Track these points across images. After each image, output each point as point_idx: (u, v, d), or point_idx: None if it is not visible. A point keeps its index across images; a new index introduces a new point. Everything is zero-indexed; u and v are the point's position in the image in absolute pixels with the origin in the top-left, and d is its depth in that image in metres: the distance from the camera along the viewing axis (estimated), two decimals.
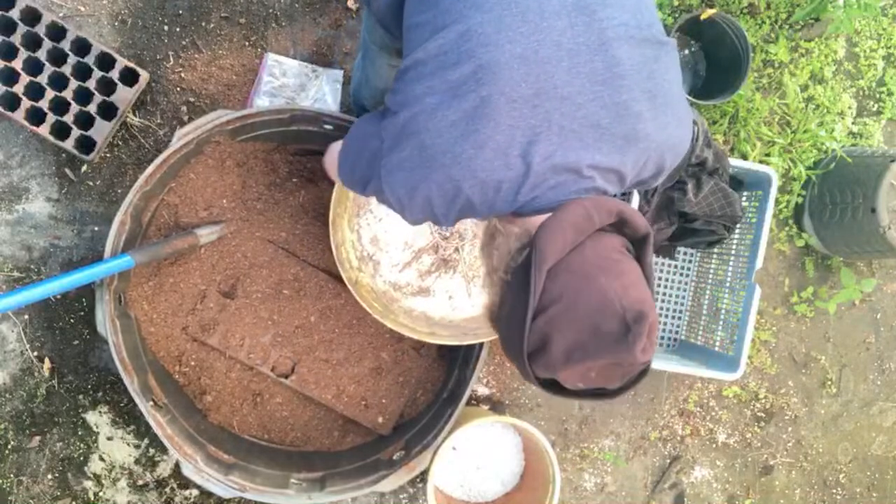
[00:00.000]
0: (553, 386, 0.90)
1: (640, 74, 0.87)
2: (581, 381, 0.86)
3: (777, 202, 2.14)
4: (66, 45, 1.72)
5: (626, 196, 1.86)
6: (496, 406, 2.06)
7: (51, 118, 1.71)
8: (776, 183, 1.83)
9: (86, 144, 1.76)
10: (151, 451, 1.89)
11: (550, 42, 0.84)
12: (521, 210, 0.90)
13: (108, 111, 1.75)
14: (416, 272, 1.59)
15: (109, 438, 1.86)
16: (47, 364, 1.82)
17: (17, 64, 1.69)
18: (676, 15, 2.05)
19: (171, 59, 1.84)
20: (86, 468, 1.86)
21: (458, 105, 0.83)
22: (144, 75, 1.76)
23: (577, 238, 0.86)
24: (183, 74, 1.84)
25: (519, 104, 0.83)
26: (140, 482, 1.88)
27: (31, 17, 1.71)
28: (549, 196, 0.88)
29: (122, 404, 1.87)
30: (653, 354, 0.85)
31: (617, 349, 0.81)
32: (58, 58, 1.73)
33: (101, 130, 1.75)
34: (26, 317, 1.82)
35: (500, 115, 0.82)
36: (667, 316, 2.08)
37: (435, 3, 0.90)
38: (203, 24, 1.85)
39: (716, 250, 2.00)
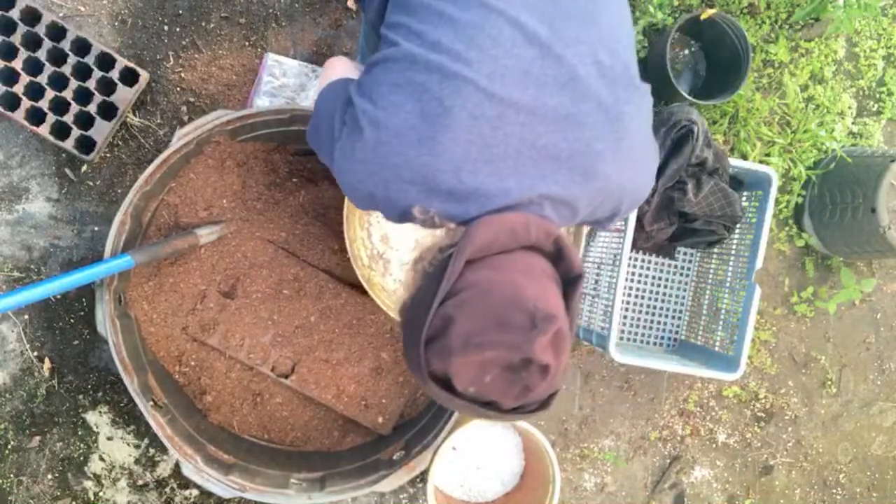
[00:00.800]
0: (444, 386, 0.83)
1: (607, 115, 0.87)
2: (474, 385, 0.80)
3: (777, 202, 2.14)
4: (66, 45, 1.72)
5: None
6: None
7: (51, 118, 1.71)
8: (776, 183, 1.83)
9: (86, 144, 1.76)
10: (151, 451, 1.89)
11: (519, 69, 0.84)
12: (466, 222, 0.89)
13: (108, 111, 1.75)
14: None
15: (109, 438, 1.86)
16: (47, 364, 1.82)
17: (17, 64, 1.69)
18: (676, 15, 2.05)
19: (171, 59, 1.84)
20: (86, 468, 1.86)
21: (421, 109, 0.83)
22: (144, 75, 1.76)
23: (509, 243, 0.85)
24: (183, 74, 1.84)
25: (480, 122, 0.83)
26: (140, 482, 1.88)
27: (31, 17, 1.71)
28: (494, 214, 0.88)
29: (122, 404, 1.87)
30: (555, 369, 0.80)
31: (517, 339, 0.77)
32: (58, 58, 1.73)
33: (101, 130, 1.75)
34: (26, 317, 1.82)
35: (459, 128, 0.82)
36: (667, 316, 2.08)
37: (413, 11, 0.90)
38: (203, 24, 1.85)
39: (716, 250, 2.00)
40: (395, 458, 1.68)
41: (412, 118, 0.83)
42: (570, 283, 0.89)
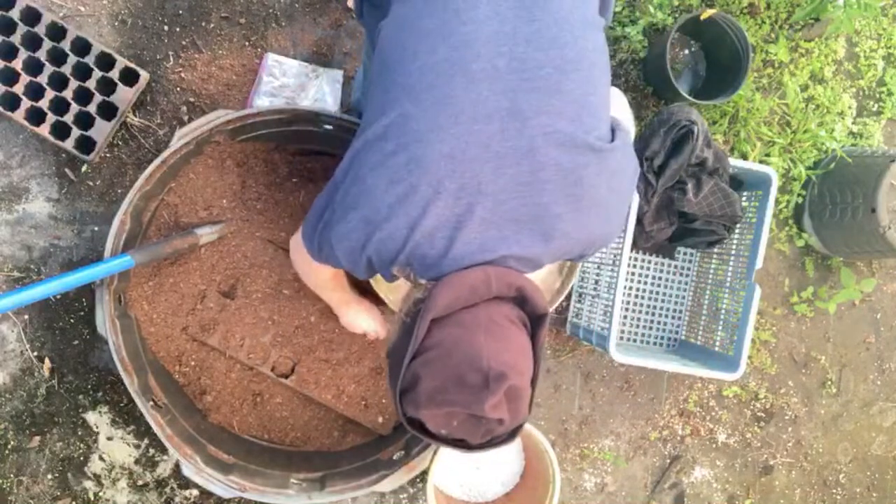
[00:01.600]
0: (419, 427, 0.95)
1: (566, 180, 0.93)
2: (444, 428, 0.91)
3: (777, 202, 2.14)
4: (66, 45, 1.72)
5: None
6: None
7: (51, 118, 1.71)
8: (776, 183, 1.83)
9: (86, 144, 1.76)
10: (151, 451, 1.89)
11: (479, 144, 0.91)
12: (440, 278, 0.97)
13: (108, 111, 1.75)
14: None
15: (109, 438, 1.86)
16: (47, 364, 1.82)
17: (17, 64, 1.69)
18: (676, 15, 2.05)
19: (171, 59, 1.84)
20: (86, 468, 1.86)
21: (394, 190, 0.92)
22: (144, 75, 1.76)
23: (471, 299, 0.93)
24: (183, 74, 1.84)
25: (444, 196, 0.91)
26: (140, 482, 1.89)
27: (31, 17, 1.71)
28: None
29: (122, 404, 1.87)
30: (513, 419, 0.90)
31: (471, 400, 0.87)
32: (58, 58, 1.73)
33: (101, 130, 1.75)
34: (26, 317, 1.82)
35: (427, 203, 0.91)
36: (667, 316, 2.08)
37: (386, 88, 0.97)
38: (203, 24, 1.85)
39: (716, 250, 2.00)
40: (395, 458, 1.68)
41: (388, 198, 0.93)
42: (536, 321, 0.97)
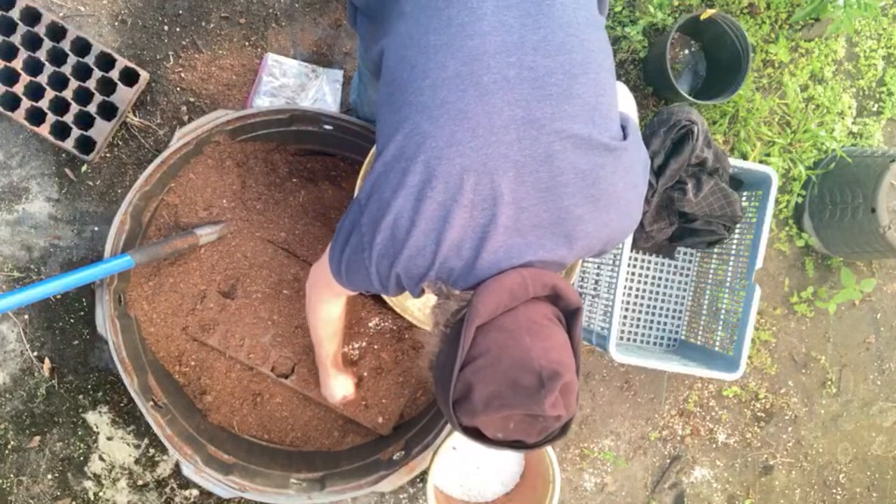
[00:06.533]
0: (475, 434, 0.96)
1: (584, 181, 0.95)
2: (500, 432, 0.93)
3: (777, 202, 2.14)
4: (66, 45, 1.72)
5: None
6: None
7: (51, 118, 1.71)
8: (776, 183, 1.83)
9: (86, 144, 1.76)
10: (151, 451, 1.89)
11: (498, 154, 0.92)
12: (470, 288, 1.00)
13: (108, 111, 1.75)
14: None
15: (109, 438, 1.86)
16: (47, 364, 1.82)
17: (17, 64, 1.69)
18: (676, 15, 2.05)
19: (171, 59, 1.84)
20: (86, 468, 1.86)
21: (419, 207, 0.94)
22: (144, 75, 1.76)
23: (511, 303, 0.94)
24: (183, 74, 1.84)
25: (468, 208, 0.93)
26: (140, 482, 1.88)
27: (31, 17, 1.71)
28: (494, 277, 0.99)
29: (122, 404, 1.87)
30: (568, 413, 0.92)
31: (530, 402, 0.88)
32: (58, 58, 1.73)
33: (101, 130, 1.75)
34: (26, 317, 1.82)
35: (453, 217, 0.93)
36: (667, 316, 2.08)
37: (398, 107, 0.97)
38: (203, 24, 1.85)
39: (716, 250, 2.00)
40: (395, 458, 1.68)
41: (414, 215, 0.94)
42: (570, 315, 0.99)
